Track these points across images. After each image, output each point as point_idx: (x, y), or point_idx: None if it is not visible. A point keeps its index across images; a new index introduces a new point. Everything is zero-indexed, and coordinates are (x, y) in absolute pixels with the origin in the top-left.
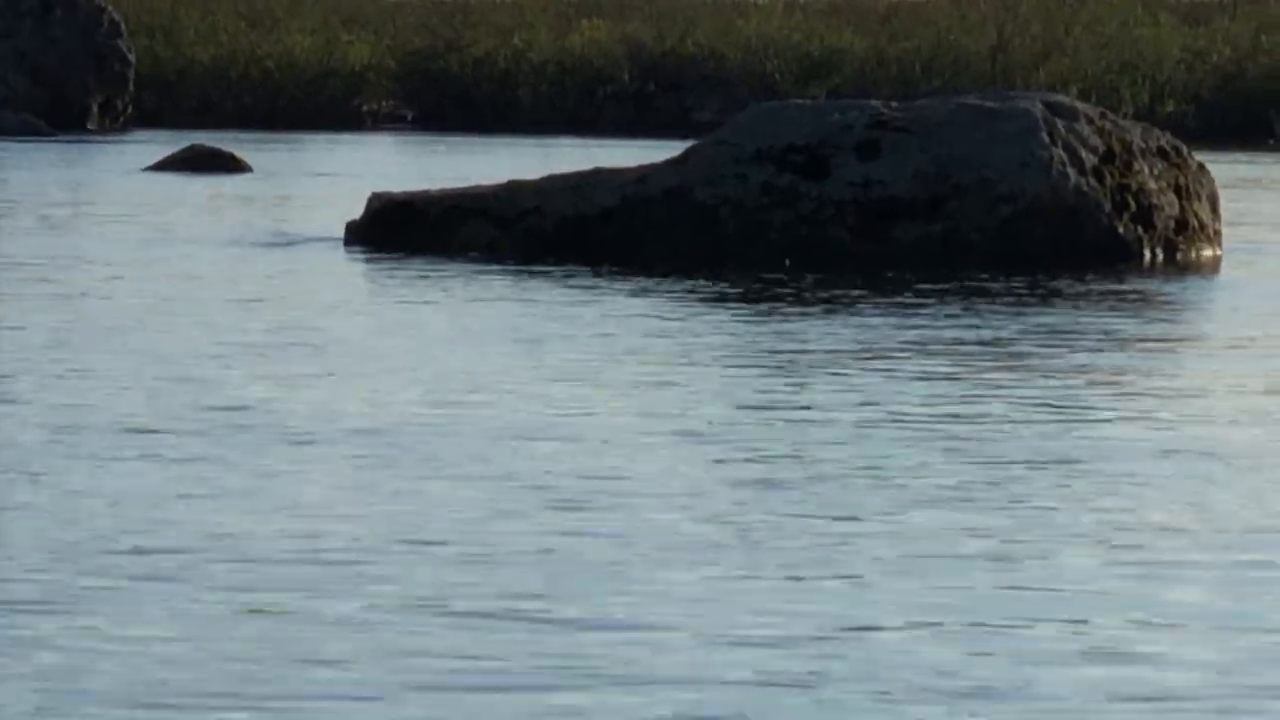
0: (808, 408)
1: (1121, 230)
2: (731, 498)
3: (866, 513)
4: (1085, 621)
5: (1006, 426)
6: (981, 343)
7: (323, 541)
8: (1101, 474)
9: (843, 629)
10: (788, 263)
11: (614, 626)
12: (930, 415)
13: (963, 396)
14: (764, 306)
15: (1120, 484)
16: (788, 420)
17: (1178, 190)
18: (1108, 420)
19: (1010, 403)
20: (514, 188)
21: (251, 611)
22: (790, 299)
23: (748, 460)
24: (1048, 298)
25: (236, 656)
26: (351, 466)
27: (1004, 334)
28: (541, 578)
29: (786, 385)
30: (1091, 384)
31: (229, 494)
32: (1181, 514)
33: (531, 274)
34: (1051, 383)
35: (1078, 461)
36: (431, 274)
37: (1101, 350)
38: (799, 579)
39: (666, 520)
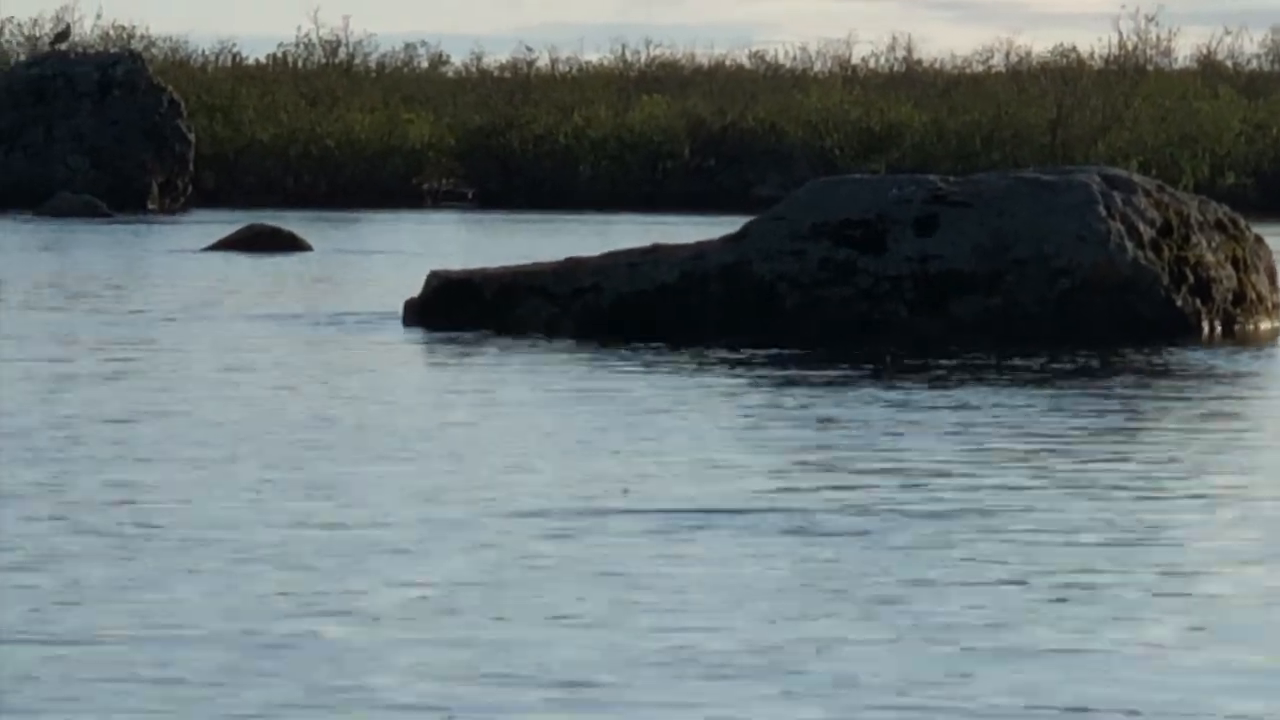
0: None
1: (1179, 303)
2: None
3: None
4: None
5: (1063, 502)
6: (1036, 418)
7: None
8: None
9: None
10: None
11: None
12: (1000, 500)
13: (1024, 473)
14: (821, 385)
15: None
16: (832, 507)
17: (1235, 263)
18: (1172, 499)
19: (1067, 482)
20: (572, 265)
21: None
22: (847, 378)
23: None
24: (1106, 372)
25: None
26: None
27: (1061, 411)
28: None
29: (822, 469)
30: (1151, 462)
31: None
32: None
33: (587, 351)
34: (1113, 463)
35: (1139, 543)
36: (488, 353)
37: (1162, 427)
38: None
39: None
